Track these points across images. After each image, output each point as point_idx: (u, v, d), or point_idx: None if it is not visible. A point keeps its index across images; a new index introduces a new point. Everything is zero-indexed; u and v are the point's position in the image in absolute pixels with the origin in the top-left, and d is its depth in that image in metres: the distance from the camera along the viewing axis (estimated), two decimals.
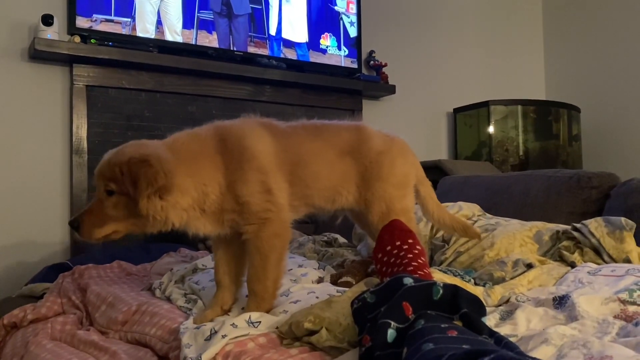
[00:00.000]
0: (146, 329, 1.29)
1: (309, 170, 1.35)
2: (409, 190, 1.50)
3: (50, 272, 2.09)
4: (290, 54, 3.48)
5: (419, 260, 1.24)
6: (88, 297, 1.58)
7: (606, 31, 4.59)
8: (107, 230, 1.16)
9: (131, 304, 1.43)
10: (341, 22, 3.70)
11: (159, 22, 3.03)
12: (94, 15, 2.84)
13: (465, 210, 1.88)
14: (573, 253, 1.51)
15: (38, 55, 2.74)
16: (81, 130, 2.83)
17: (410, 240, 1.30)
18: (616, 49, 4.52)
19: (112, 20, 2.90)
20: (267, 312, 1.22)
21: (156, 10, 3.02)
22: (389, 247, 1.30)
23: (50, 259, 2.67)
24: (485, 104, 4.09)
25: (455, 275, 1.40)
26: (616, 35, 4.53)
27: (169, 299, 1.47)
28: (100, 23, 2.86)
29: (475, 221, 1.78)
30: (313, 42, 3.57)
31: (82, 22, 2.81)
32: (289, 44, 3.48)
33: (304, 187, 1.35)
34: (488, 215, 1.90)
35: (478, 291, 1.27)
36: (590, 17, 4.72)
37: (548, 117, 4.17)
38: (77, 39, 2.77)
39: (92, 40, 2.81)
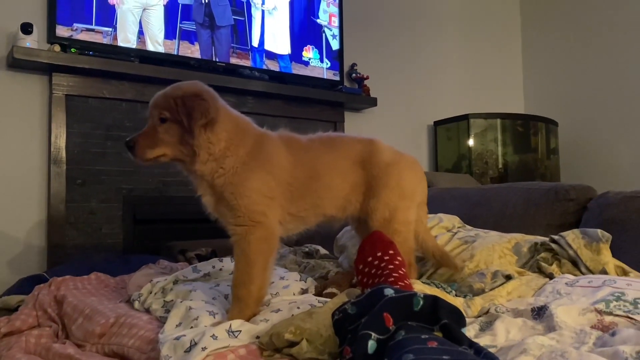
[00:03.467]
0: (124, 340, 1.27)
1: (322, 182, 1.41)
2: (413, 204, 1.52)
3: (26, 284, 2.04)
4: (273, 66, 3.49)
5: (400, 271, 1.25)
6: (64, 310, 1.55)
7: (583, 47, 4.70)
8: (158, 152, 1.27)
9: (109, 316, 1.41)
10: (323, 35, 3.73)
11: (140, 32, 3.02)
12: (74, 24, 2.82)
13: (446, 222, 1.89)
14: (551, 264, 1.53)
15: (17, 63, 2.71)
16: (60, 139, 2.79)
17: (391, 251, 1.31)
18: (593, 65, 4.63)
19: (93, 30, 2.88)
20: (249, 319, 1.21)
21: (138, 20, 3.01)
22: (370, 258, 1.31)
23: (26, 270, 2.61)
24: (465, 117, 4.15)
25: (437, 287, 1.40)
26: (593, 51, 4.64)
27: (148, 311, 1.45)
28: (80, 32, 2.84)
29: (455, 233, 1.79)
30: (295, 54, 3.59)
31: (62, 31, 2.78)
32: (272, 55, 3.50)
33: (316, 197, 1.40)
34: (468, 227, 1.92)
35: (458, 302, 1.28)
36: (567, 34, 4.83)
37: (527, 131, 4.24)
38: (57, 47, 2.75)
39: (73, 50, 2.79)
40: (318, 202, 1.40)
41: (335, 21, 3.79)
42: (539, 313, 1.13)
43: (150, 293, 1.55)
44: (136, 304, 1.52)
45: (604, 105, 4.53)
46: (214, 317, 1.24)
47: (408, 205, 1.49)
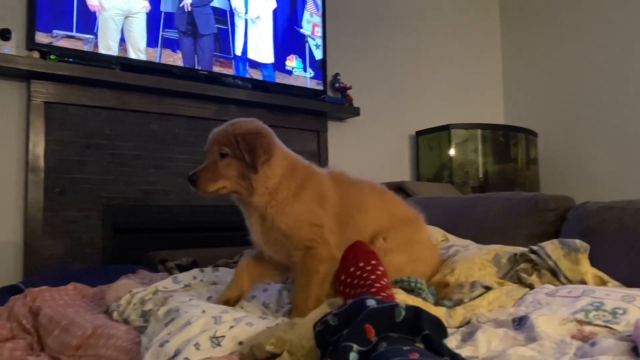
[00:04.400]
0: (101, 352, 1.24)
1: (366, 215, 1.52)
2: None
3: (0, 295, 2.00)
4: (256, 75, 3.49)
5: (382, 282, 1.24)
6: (40, 321, 1.51)
7: (562, 59, 4.78)
8: (219, 185, 1.36)
9: (86, 327, 1.38)
10: (307, 44, 3.74)
11: (122, 40, 2.99)
12: (54, 31, 2.79)
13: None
14: (531, 275, 1.54)
15: None
16: (38, 147, 2.75)
17: (373, 261, 1.31)
18: (572, 77, 4.71)
19: (73, 37, 2.85)
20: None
21: (119, 27, 2.99)
22: (352, 269, 1.30)
23: (1, 280, 2.55)
24: (447, 128, 4.19)
25: (414, 290, 1.40)
26: (572, 63, 4.72)
27: (127, 322, 1.43)
28: (60, 39, 2.80)
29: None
30: (279, 63, 3.60)
31: (41, 37, 2.75)
32: (255, 64, 3.49)
33: (359, 229, 1.49)
34: (451, 238, 1.93)
35: (440, 312, 1.28)
36: (547, 46, 4.91)
37: (507, 141, 4.29)
38: (36, 54, 2.71)
39: (52, 56, 2.76)
40: (359, 234, 1.48)
41: (319, 31, 3.80)
42: (520, 323, 1.13)
43: (130, 304, 1.52)
44: (115, 315, 1.49)
45: (582, 117, 4.61)
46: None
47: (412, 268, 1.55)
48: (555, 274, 1.52)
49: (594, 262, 1.55)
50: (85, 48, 2.88)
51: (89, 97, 2.90)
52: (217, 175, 1.36)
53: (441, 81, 4.73)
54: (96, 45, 2.91)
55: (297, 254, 1.38)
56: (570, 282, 1.49)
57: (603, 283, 1.50)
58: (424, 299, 1.38)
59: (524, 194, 2.21)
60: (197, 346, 1.06)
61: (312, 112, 3.72)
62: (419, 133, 4.39)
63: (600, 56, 4.52)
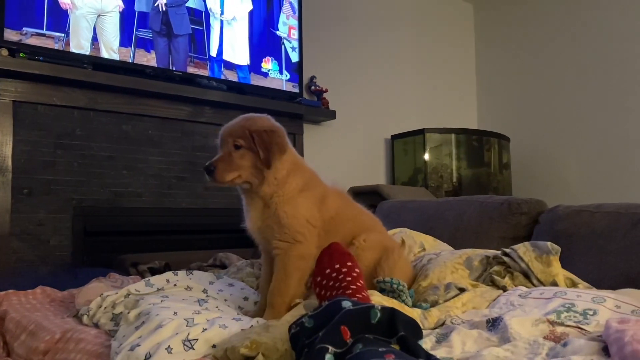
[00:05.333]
0: (71, 356, 1.21)
1: (352, 223, 1.60)
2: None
3: None
4: (231, 76, 3.47)
5: (358, 283, 1.24)
6: (6, 326, 1.47)
7: (534, 66, 4.88)
8: (234, 175, 1.42)
9: (55, 331, 1.34)
10: (283, 47, 3.73)
11: (94, 39, 2.94)
12: (24, 28, 2.72)
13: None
14: (504, 277, 1.56)
15: None
16: (6, 147, 2.68)
17: (349, 263, 1.30)
18: (543, 83, 4.81)
19: (44, 35, 2.78)
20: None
21: (92, 26, 2.94)
22: (328, 270, 1.30)
23: None
24: (421, 132, 4.22)
25: (395, 291, 1.40)
26: (543, 70, 4.82)
27: (97, 326, 1.39)
28: (30, 37, 2.74)
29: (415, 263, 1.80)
30: (254, 65, 3.58)
31: (10, 34, 2.68)
32: (230, 65, 3.47)
33: (345, 234, 1.56)
34: (428, 247, 1.93)
35: (415, 314, 1.28)
36: (519, 53, 5.00)
37: (480, 146, 4.35)
38: (5, 52, 2.65)
39: (22, 54, 2.69)
40: (345, 238, 1.55)
41: (295, 34, 3.80)
42: (494, 324, 1.14)
43: (100, 307, 1.49)
44: (85, 319, 1.45)
45: (553, 122, 4.71)
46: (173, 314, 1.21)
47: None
48: (527, 276, 1.54)
49: (565, 264, 1.58)
50: (56, 46, 2.82)
51: (59, 96, 2.84)
52: (232, 165, 1.42)
53: (416, 86, 4.78)
54: (67, 44, 2.85)
55: (282, 245, 1.42)
56: (542, 284, 1.51)
57: (574, 285, 1.52)
58: (403, 300, 1.39)
59: (497, 198, 2.24)
60: (169, 349, 1.04)
61: (287, 115, 3.70)
62: (394, 137, 4.42)
63: (571, 63, 4.63)
